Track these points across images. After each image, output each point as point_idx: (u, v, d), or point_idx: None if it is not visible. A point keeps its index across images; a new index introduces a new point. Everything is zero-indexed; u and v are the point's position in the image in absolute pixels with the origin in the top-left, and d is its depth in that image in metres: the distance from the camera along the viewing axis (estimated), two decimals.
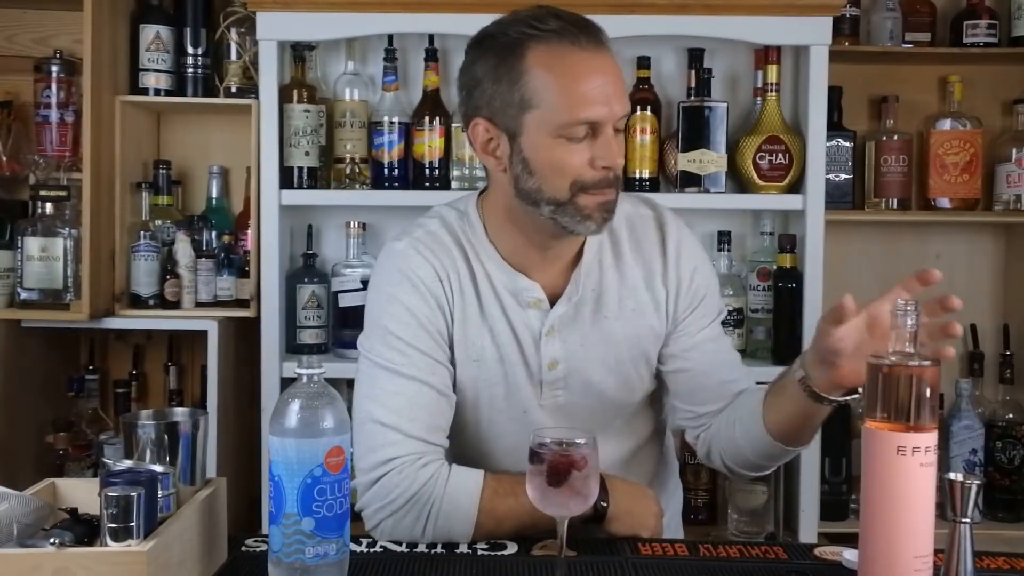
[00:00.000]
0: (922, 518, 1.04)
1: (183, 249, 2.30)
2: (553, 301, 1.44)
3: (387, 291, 1.42)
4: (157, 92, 2.33)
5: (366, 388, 1.40)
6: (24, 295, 2.23)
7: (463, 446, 1.47)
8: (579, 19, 1.33)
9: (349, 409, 1.17)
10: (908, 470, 1.03)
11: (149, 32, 2.32)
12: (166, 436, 1.15)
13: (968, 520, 1.04)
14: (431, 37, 2.34)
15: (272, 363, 2.25)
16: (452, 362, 1.44)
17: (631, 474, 1.51)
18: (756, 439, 1.40)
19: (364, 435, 1.37)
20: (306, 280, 2.33)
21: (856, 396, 1.25)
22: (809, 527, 2.29)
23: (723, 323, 2.29)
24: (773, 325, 2.37)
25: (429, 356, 1.40)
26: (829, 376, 1.25)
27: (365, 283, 1.52)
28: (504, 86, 1.32)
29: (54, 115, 2.33)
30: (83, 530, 1.07)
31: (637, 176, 2.34)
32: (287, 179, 2.29)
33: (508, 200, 1.39)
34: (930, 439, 1.03)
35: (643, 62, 2.38)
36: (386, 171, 2.32)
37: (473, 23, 2.14)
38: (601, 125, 1.31)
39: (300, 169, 2.29)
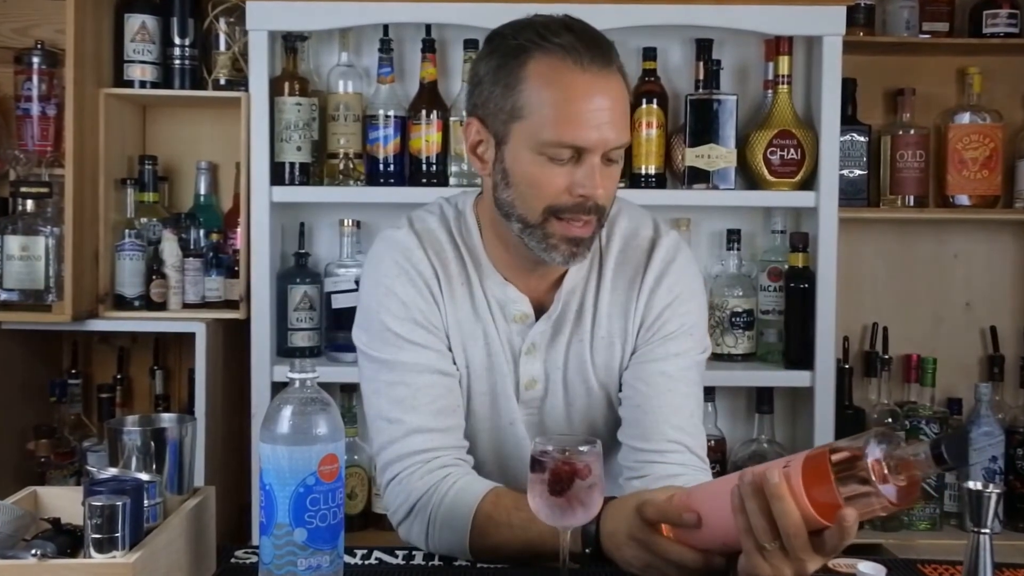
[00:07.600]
0: None
1: (170, 248, 2.29)
2: (538, 316, 1.41)
3: (384, 283, 1.41)
4: (143, 84, 2.32)
5: (368, 383, 1.41)
6: (4, 296, 2.21)
7: None
8: (591, 36, 1.29)
9: (343, 415, 1.11)
10: None
11: (134, 22, 2.30)
12: (152, 443, 1.15)
13: (988, 530, 1.04)
14: (428, 27, 2.34)
15: (263, 367, 2.24)
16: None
17: None
18: None
19: (373, 433, 1.39)
20: (298, 280, 2.32)
21: None
22: None
23: (732, 325, 2.31)
24: (784, 327, 2.34)
25: (428, 348, 1.39)
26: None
27: (359, 283, 1.49)
28: (500, 90, 1.31)
29: (35, 108, 2.31)
30: (66, 541, 1.07)
31: (643, 172, 2.32)
32: (278, 175, 2.26)
33: (492, 206, 1.38)
34: None
35: (649, 53, 2.37)
36: (381, 167, 2.30)
37: (472, 13, 2.17)
38: (587, 152, 1.27)
39: (292, 165, 2.27)
